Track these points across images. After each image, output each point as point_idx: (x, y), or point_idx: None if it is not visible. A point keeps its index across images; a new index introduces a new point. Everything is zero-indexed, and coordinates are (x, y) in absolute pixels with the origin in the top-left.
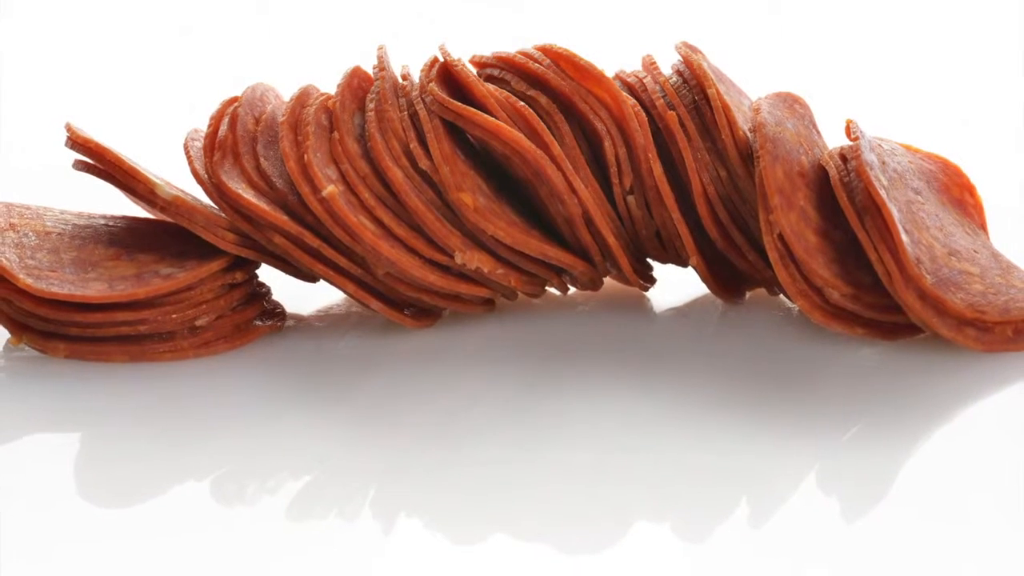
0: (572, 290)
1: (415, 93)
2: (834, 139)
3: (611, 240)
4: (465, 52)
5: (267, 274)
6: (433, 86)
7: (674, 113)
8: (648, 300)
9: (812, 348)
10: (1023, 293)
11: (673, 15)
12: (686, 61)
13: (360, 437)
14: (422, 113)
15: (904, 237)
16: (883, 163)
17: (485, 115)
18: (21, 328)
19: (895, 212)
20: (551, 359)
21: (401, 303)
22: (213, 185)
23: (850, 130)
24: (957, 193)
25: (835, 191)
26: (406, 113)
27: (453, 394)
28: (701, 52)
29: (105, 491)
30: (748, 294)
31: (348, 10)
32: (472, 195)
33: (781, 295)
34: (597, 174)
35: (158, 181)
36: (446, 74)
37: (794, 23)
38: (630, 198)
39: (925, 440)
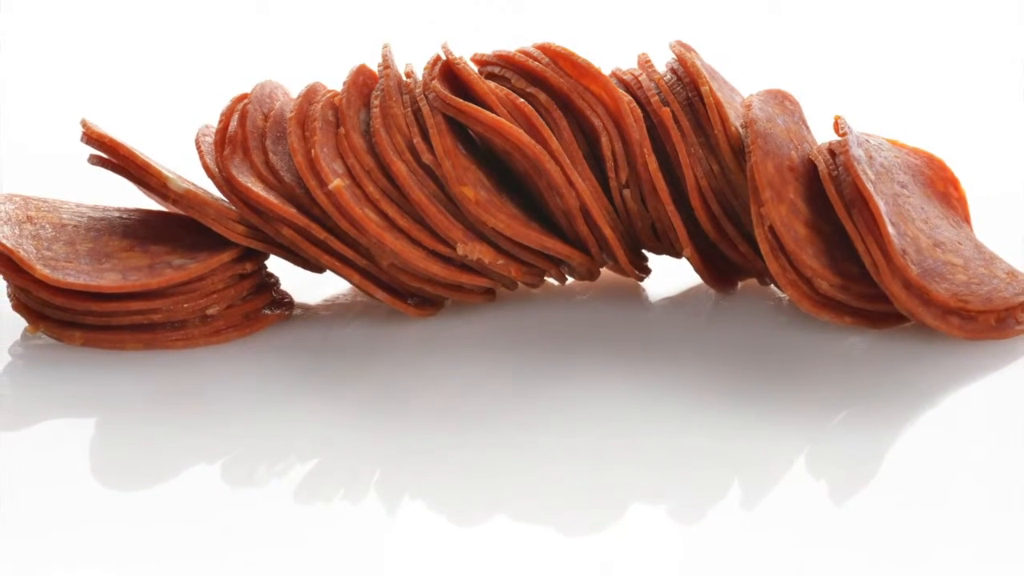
0: (570, 280)
1: (418, 90)
2: (823, 135)
3: (608, 232)
4: (467, 51)
5: (275, 265)
6: (436, 83)
7: (668, 109)
8: (643, 290)
9: (802, 336)
10: (1005, 283)
11: (667, 15)
12: (680, 59)
13: (365, 422)
14: (425, 109)
15: (890, 229)
16: (870, 158)
17: (486, 111)
18: (38, 317)
19: (882, 205)
20: (550, 347)
21: (405, 293)
22: (223, 179)
23: (838, 126)
24: (941, 187)
25: (824, 185)
26: (410, 109)
27: (455, 380)
28: (694, 51)
29: (119, 474)
30: (740, 284)
31: (354, 10)
32: (473, 189)
33: (772, 285)
34: (594, 168)
35: (170, 175)
36: (448, 72)
37: (783, 23)
38: (626, 191)
39: (911, 425)
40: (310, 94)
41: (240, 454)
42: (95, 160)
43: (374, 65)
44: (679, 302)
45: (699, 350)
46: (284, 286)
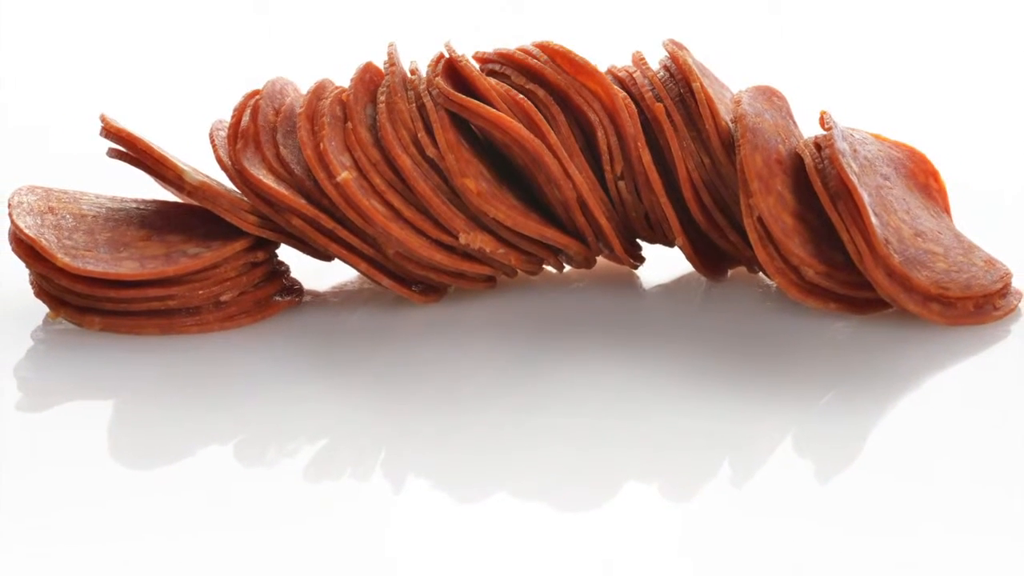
0: (567, 268)
1: (423, 86)
2: (809, 129)
3: (603, 222)
4: (469, 49)
5: (286, 253)
6: (439, 80)
7: (661, 105)
8: (637, 277)
9: (789, 322)
10: (983, 271)
11: (661, 16)
12: (672, 57)
13: (372, 403)
14: (429, 105)
15: (874, 219)
16: (854, 151)
17: (487, 107)
18: (59, 303)
19: (865, 196)
20: (548, 332)
21: (409, 280)
22: (236, 171)
23: (824, 120)
24: (923, 179)
25: (810, 177)
26: (414, 105)
27: (457, 364)
28: (686, 49)
29: (136, 454)
30: (730, 272)
31: (361, 11)
32: (475, 181)
33: (760, 273)
34: (590, 161)
35: (185, 168)
36: (451, 69)
37: (773, 23)
38: (621, 183)
39: (893, 407)
40: (319, 90)
41: (252, 435)
42: (114, 153)
43: (380, 63)
44: (672, 289)
45: (691, 335)
46: (294, 274)
